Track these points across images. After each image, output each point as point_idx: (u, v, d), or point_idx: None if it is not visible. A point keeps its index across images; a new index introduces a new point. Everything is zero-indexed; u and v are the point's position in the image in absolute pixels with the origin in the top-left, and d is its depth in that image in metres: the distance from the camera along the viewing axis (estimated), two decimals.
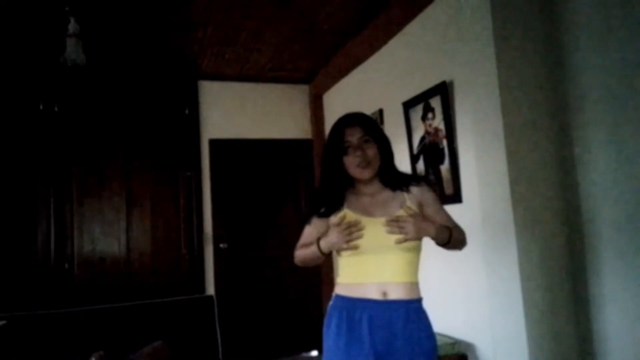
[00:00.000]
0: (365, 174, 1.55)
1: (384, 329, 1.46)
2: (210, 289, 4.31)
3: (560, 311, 2.04)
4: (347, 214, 1.56)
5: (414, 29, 3.17)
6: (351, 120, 1.60)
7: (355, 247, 1.49)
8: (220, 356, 3.14)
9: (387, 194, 1.60)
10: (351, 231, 1.48)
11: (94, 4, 2.97)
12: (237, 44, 3.77)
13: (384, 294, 1.48)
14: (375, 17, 3.35)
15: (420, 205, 1.59)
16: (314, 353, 4.51)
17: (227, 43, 3.74)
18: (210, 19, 3.29)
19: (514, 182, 2.04)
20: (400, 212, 1.52)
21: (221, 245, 4.42)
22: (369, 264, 1.51)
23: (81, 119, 4.09)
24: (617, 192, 1.88)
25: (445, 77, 2.79)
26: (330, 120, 4.69)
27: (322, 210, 1.61)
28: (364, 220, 1.52)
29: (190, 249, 4.29)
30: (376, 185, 1.61)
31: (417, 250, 1.56)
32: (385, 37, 3.44)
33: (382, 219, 1.50)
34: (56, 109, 4.00)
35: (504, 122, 2.07)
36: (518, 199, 2.04)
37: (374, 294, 1.49)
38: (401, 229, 1.45)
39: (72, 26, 2.75)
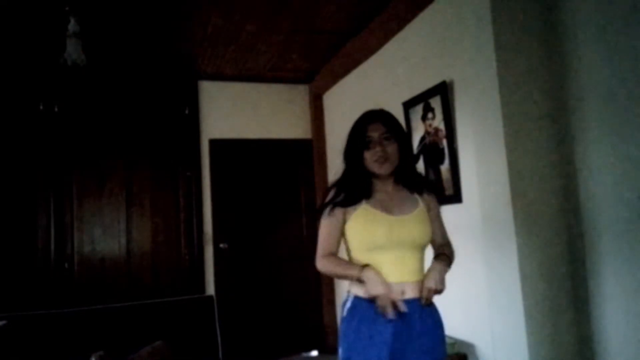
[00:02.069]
0: (383, 169, 1.59)
1: (403, 328, 1.49)
2: (210, 289, 4.31)
3: (560, 311, 2.04)
4: (365, 208, 1.58)
5: (413, 29, 3.17)
6: (374, 116, 1.65)
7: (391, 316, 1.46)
8: (220, 356, 3.14)
9: (402, 193, 1.64)
10: (393, 306, 1.45)
11: (94, 4, 2.97)
12: (237, 44, 3.77)
13: (403, 292, 1.50)
14: (375, 17, 3.35)
15: (428, 211, 1.65)
16: (314, 353, 4.51)
17: (227, 43, 3.74)
18: (210, 19, 3.29)
19: (514, 182, 2.04)
20: (415, 212, 1.59)
21: (221, 245, 4.42)
22: (389, 262, 1.53)
23: (81, 119, 4.09)
24: (617, 192, 1.88)
25: (445, 77, 2.79)
26: (330, 120, 4.70)
27: (341, 198, 1.60)
28: (383, 217, 1.56)
29: (190, 249, 4.29)
30: (392, 184, 1.65)
31: (424, 248, 1.62)
32: (385, 37, 3.44)
33: (400, 217, 1.56)
34: (56, 109, 4.00)
35: (504, 122, 2.07)
36: (518, 199, 2.04)
37: (395, 295, 1.49)
38: (436, 291, 1.51)
39: (72, 26, 2.75)
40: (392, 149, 1.59)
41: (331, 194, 1.63)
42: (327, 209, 1.61)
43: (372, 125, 1.62)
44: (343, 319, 1.58)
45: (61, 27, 2.81)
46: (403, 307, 1.45)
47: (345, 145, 1.67)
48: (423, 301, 1.50)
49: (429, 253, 1.66)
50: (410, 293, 1.51)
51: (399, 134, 1.64)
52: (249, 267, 4.51)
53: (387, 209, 1.58)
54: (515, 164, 2.06)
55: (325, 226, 1.62)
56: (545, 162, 2.11)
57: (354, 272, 1.52)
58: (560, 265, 2.07)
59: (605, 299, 1.94)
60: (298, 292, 4.59)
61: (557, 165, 2.12)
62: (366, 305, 1.51)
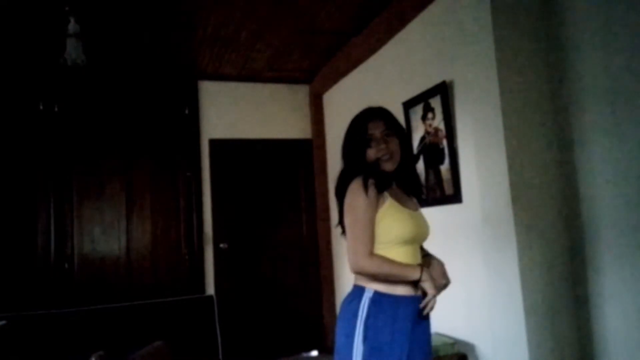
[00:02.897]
0: (389, 165, 1.56)
1: (415, 326, 1.50)
2: (210, 289, 4.31)
3: (560, 311, 2.04)
4: (392, 202, 1.52)
5: (414, 29, 3.17)
6: (374, 113, 1.63)
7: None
8: (220, 356, 3.14)
9: (400, 191, 1.62)
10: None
11: (94, 4, 2.97)
12: (237, 44, 3.77)
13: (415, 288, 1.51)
14: (375, 17, 3.35)
15: None
16: (314, 353, 4.51)
17: (227, 43, 3.74)
18: (210, 19, 3.28)
19: (514, 182, 2.04)
20: (420, 209, 1.62)
21: (221, 245, 4.42)
22: (407, 257, 1.50)
23: (81, 119, 4.09)
24: (617, 192, 1.88)
25: (445, 77, 2.79)
26: (330, 120, 4.70)
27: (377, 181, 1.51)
28: (407, 211, 1.54)
29: (190, 249, 4.29)
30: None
31: None
32: (385, 37, 3.44)
33: (416, 213, 1.59)
34: (56, 109, 4.00)
35: (504, 122, 2.07)
36: (518, 199, 2.04)
37: (410, 290, 1.48)
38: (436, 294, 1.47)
39: (72, 26, 2.75)
40: (394, 145, 1.57)
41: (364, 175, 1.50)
42: (369, 188, 1.46)
43: (372, 122, 1.59)
44: (361, 313, 1.47)
45: (61, 27, 2.81)
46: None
47: (344, 142, 1.64)
48: (437, 296, 1.49)
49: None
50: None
51: (400, 131, 1.63)
52: (249, 267, 4.51)
53: (403, 204, 1.56)
54: (515, 164, 2.06)
55: (365, 211, 1.46)
56: (545, 162, 2.11)
57: (415, 275, 1.46)
58: (560, 265, 2.07)
59: (606, 298, 1.94)
60: (298, 292, 4.59)
61: (557, 165, 2.12)
62: (388, 302, 1.46)
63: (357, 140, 1.59)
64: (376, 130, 1.57)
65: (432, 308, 1.46)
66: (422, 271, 1.46)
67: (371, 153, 1.56)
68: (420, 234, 1.56)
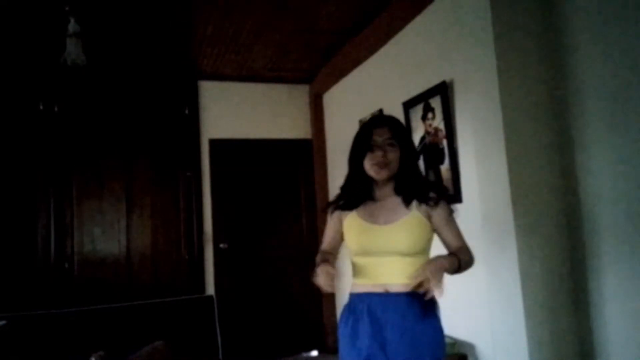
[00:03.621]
0: (381, 174, 1.59)
1: (384, 319, 1.52)
2: (210, 289, 4.31)
3: (560, 311, 2.04)
4: (353, 216, 1.65)
5: (413, 29, 3.17)
6: (381, 121, 1.67)
7: (331, 291, 1.52)
8: (220, 356, 3.14)
9: (396, 200, 1.62)
10: (330, 278, 1.50)
11: (94, 4, 2.97)
12: (237, 44, 3.77)
13: (386, 290, 1.55)
14: (375, 17, 3.35)
15: (429, 217, 1.59)
16: (314, 353, 4.51)
17: (227, 43, 3.74)
18: (210, 19, 3.28)
19: (514, 182, 2.04)
20: (401, 221, 1.57)
21: (221, 246, 4.42)
22: (372, 265, 1.59)
23: (81, 119, 4.09)
24: (617, 192, 1.88)
25: (445, 77, 2.79)
26: (330, 120, 4.70)
27: (341, 203, 1.69)
28: (367, 226, 1.60)
29: (190, 249, 4.29)
30: (388, 191, 1.64)
31: (421, 253, 1.58)
32: (385, 37, 3.44)
33: (385, 226, 1.58)
34: (56, 109, 4.00)
35: (504, 122, 2.07)
36: (518, 199, 2.04)
37: (377, 289, 1.56)
38: (424, 286, 1.43)
39: (72, 26, 2.75)
40: (393, 155, 1.59)
41: (335, 197, 1.73)
42: (329, 209, 1.73)
43: (378, 129, 1.62)
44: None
45: (61, 27, 2.81)
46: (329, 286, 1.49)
47: (351, 148, 1.69)
48: (411, 285, 1.48)
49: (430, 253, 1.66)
50: (395, 289, 1.54)
51: (404, 141, 1.64)
52: (249, 267, 4.51)
53: (373, 217, 1.61)
54: (515, 164, 2.06)
55: (327, 226, 1.75)
56: (545, 162, 2.11)
57: (317, 268, 1.55)
58: (560, 265, 2.07)
59: (606, 298, 1.94)
60: (298, 292, 4.59)
61: (557, 165, 2.12)
62: (349, 302, 1.64)
63: (360, 147, 1.64)
64: (379, 137, 1.60)
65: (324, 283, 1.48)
66: (318, 265, 1.54)
67: (368, 158, 1.60)
68: (370, 247, 1.57)
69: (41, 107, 3.96)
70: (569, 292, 2.06)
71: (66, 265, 3.92)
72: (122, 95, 4.24)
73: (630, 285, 1.83)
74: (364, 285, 1.60)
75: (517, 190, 2.04)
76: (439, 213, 1.59)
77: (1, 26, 3.20)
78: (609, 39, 1.90)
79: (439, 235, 1.62)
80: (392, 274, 1.54)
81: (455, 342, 2.67)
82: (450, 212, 1.63)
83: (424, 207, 1.59)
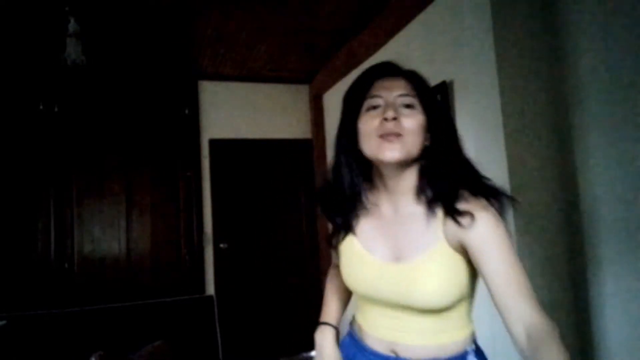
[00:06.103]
0: (389, 154, 0.91)
1: None
2: (210, 289, 4.31)
3: (560, 311, 2.03)
4: (351, 240, 1.05)
5: (413, 29, 3.17)
6: (391, 69, 1.00)
7: None
8: (220, 356, 3.14)
9: (416, 210, 0.97)
10: None
11: (94, 4, 2.97)
12: (237, 44, 3.77)
13: (394, 352, 1.01)
14: (375, 17, 3.35)
15: (461, 246, 0.94)
16: (314, 353, 4.51)
17: (227, 43, 3.74)
18: (210, 19, 3.28)
19: (514, 182, 2.04)
20: (426, 257, 0.92)
21: (221, 245, 4.42)
22: (377, 316, 1.03)
23: (81, 119, 4.09)
24: (617, 192, 1.88)
25: (445, 77, 2.79)
26: (330, 120, 4.70)
27: (331, 233, 1.12)
28: (368, 258, 1.00)
29: (190, 249, 4.29)
30: (404, 190, 0.98)
31: (455, 307, 1.00)
32: (385, 37, 3.44)
33: (399, 265, 0.94)
34: (56, 109, 4.00)
35: (504, 122, 2.07)
36: (518, 199, 2.04)
37: (382, 349, 1.02)
38: None
39: (72, 26, 2.75)
40: (413, 122, 0.93)
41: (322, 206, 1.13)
42: (332, 243, 1.13)
43: (385, 81, 0.96)
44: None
45: (61, 27, 2.81)
46: None
47: (341, 115, 1.05)
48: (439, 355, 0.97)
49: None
50: (407, 353, 0.99)
51: (430, 102, 0.98)
52: (249, 267, 4.51)
53: (378, 244, 0.99)
54: (515, 164, 2.06)
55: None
56: (545, 162, 2.10)
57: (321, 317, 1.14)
58: (560, 265, 2.07)
59: (606, 299, 1.94)
60: (298, 292, 4.59)
61: (557, 165, 2.12)
62: (352, 346, 1.12)
63: (354, 107, 0.98)
64: (388, 92, 0.94)
65: None
66: (318, 330, 1.08)
67: (365, 126, 0.94)
68: (374, 294, 0.99)
69: (41, 107, 3.96)
70: (569, 292, 2.06)
71: (66, 265, 3.92)
72: (122, 95, 4.24)
73: (630, 285, 1.83)
74: (366, 335, 1.06)
75: (517, 190, 2.04)
76: (482, 235, 0.91)
77: (1, 26, 3.20)
78: (609, 39, 1.90)
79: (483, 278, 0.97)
80: (406, 332, 0.99)
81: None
82: (506, 234, 0.93)
83: (453, 228, 0.92)
